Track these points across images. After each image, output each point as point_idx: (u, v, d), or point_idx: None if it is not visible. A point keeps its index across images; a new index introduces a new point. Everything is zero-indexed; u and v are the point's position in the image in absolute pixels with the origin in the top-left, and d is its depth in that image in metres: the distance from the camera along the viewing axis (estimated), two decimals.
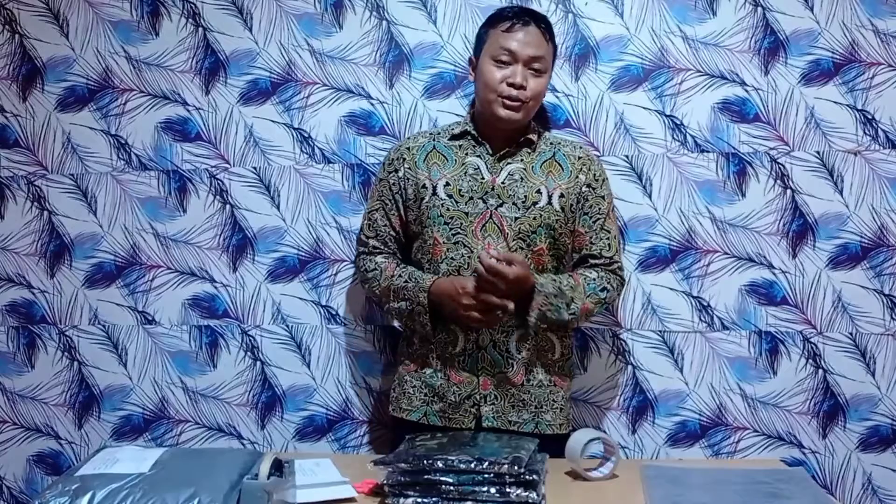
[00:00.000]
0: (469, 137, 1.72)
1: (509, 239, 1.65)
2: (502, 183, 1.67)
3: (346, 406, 2.03)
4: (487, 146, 1.70)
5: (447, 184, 1.68)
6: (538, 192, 1.68)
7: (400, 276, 1.68)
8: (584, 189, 1.72)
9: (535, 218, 1.66)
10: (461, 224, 1.66)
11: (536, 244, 1.66)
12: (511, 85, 1.62)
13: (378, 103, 2.01)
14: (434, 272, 1.67)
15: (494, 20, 1.68)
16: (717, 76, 1.96)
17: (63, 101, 2.06)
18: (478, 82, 1.69)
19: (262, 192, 2.03)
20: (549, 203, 1.68)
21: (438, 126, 1.95)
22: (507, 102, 1.64)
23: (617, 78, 1.98)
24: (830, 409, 1.95)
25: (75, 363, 2.06)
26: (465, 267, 1.64)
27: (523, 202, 1.66)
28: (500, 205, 1.66)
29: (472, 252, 1.64)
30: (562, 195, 1.69)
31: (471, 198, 1.67)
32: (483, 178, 1.68)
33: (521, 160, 1.70)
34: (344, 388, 2.03)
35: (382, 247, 1.76)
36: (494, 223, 1.65)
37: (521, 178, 1.68)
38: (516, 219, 1.66)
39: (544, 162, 1.72)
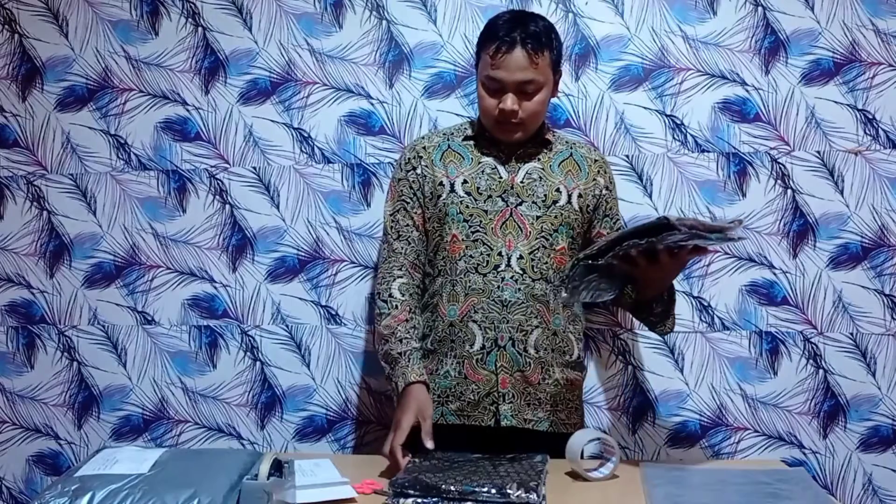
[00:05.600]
0: (483, 138, 1.72)
1: (531, 238, 1.65)
2: (521, 182, 1.67)
3: (345, 406, 2.03)
4: (502, 146, 1.70)
5: (465, 181, 1.68)
6: (557, 190, 1.68)
7: (400, 340, 1.62)
8: (603, 192, 1.73)
9: (556, 217, 1.67)
10: (480, 222, 1.66)
11: (558, 243, 1.66)
12: (502, 112, 1.60)
13: (378, 103, 2.01)
14: (451, 270, 1.66)
15: (484, 39, 1.63)
16: (717, 76, 1.96)
17: (62, 100, 2.06)
18: (477, 99, 1.67)
19: (262, 191, 2.03)
20: (569, 202, 1.68)
21: (441, 127, 1.96)
22: (503, 127, 1.63)
23: (617, 77, 1.98)
24: (831, 409, 1.95)
25: (75, 363, 2.06)
26: (485, 265, 1.64)
27: (543, 201, 1.67)
28: (520, 203, 1.66)
29: (491, 250, 1.64)
30: (580, 195, 1.69)
31: (489, 196, 1.66)
32: (501, 177, 1.68)
33: (539, 159, 1.70)
34: (344, 388, 2.03)
35: (406, 247, 1.70)
36: (515, 221, 1.65)
37: (540, 178, 1.68)
38: (538, 217, 1.66)
39: (562, 161, 1.72)
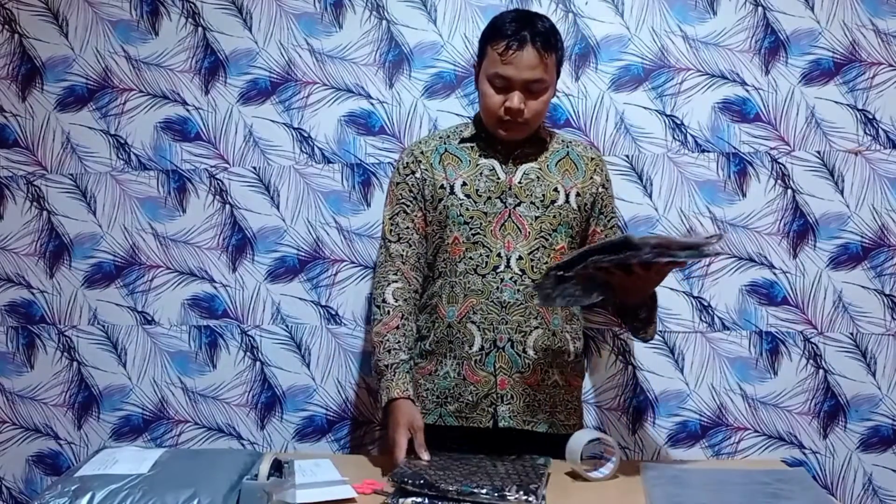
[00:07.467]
0: (480, 140, 1.72)
1: (530, 238, 1.65)
2: (519, 182, 1.67)
3: (345, 406, 2.03)
4: (499, 147, 1.70)
5: (464, 184, 1.68)
6: (555, 190, 1.68)
7: (388, 351, 1.62)
8: (599, 190, 1.73)
9: (554, 216, 1.67)
10: (480, 224, 1.65)
11: (558, 243, 1.66)
12: (508, 110, 1.60)
13: (378, 103, 2.01)
14: (451, 272, 1.66)
15: (491, 36, 1.62)
16: (717, 76, 1.96)
17: (62, 100, 2.06)
18: (479, 97, 1.67)
19: (262, 191, 2.03)
20: (567, 202, 1.68)
21: (440, 128, 1.96)
22: (506, 125, 1.63)
23: (617, 77, 1.98)
24: (831, 409, 1.95)
25: (75, 363, 2.06)
26: (484, 266, 1.64)
27: (542, 201, 1.67)
28: (518, 204, 1.66)
29: (490, 252, 1.64)
30: (578, 194, 1.69)
31: (488, 198, 1.66)
32: (499, 179, 1.68)
33: (535, 159, 1.70)
34: (344, 388, 2.03)
35: (406, 250, 1.69)
36: (514, 222, 1.65)
37: (538, 178, 1.68)
38: (536, 218, 1.66)
39: (559, 161, 1.72)
